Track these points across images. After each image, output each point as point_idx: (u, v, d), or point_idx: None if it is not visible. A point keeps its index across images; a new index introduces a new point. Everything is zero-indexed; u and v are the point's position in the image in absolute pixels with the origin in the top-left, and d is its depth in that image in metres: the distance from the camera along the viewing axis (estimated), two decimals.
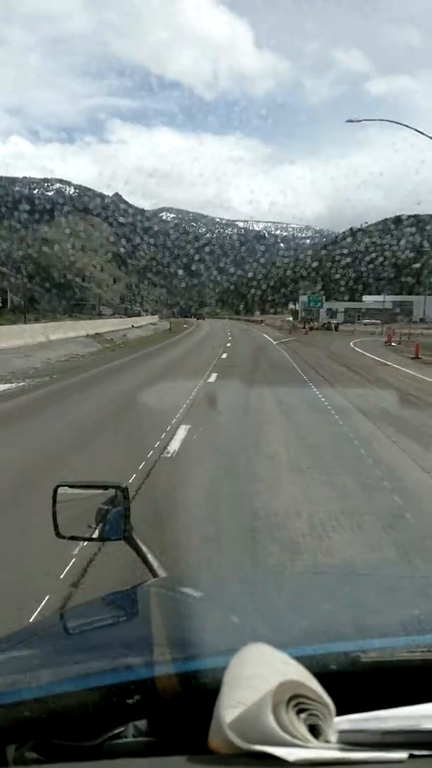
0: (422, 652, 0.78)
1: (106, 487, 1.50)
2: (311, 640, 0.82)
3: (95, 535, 1.48)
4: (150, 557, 1.46)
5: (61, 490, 1.49)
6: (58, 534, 1.47)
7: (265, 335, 43.60)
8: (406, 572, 2.34)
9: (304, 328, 54.79)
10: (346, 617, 1.04)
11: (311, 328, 55.25)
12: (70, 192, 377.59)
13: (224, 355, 23.76)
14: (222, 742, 0.57)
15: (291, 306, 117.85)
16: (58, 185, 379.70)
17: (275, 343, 34.41)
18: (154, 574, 1.44)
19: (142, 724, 0.76)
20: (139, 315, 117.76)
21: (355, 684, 0.72)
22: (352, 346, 32.65)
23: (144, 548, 1.47)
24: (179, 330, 55.07)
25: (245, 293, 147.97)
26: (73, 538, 1.52)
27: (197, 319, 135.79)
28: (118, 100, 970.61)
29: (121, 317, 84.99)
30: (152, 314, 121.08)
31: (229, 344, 32.02)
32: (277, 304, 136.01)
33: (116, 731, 0.74)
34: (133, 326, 51.31)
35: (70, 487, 1.52)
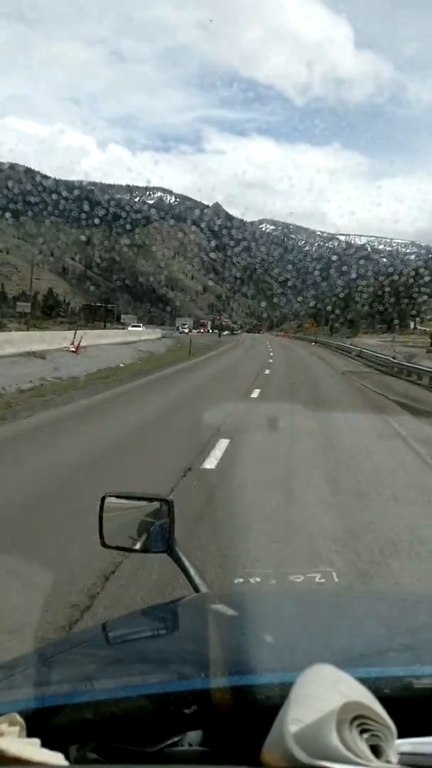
0: None
1: (151, 500, 1.51)
2: (365, 663, 0.83)
3: (139, 547, 1.49)
4: (192, 572, 1.47)
5: (108, 500, 1.51)
6: (103, 543, 1.50)
7: None
8: None
9: None
10: (399, 642, 1.04)
11: None
12: (171, 201, 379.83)
13: None
14: (278, 757, 0.57)
15: (418, 325, 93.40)
16: (159, 194, 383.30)
17: None
18: (196, 589, 1.44)
19: (197, 734, 0.76)
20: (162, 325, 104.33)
21: (408, 709, 0.71)
22: None
23: (186, 563, 1.47)
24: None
25: (345, 308, 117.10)
26: (117, 548, 1.55)
27: (255, 332, 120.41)
28: (219, 111, 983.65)
29: (140, 327, 72.59)
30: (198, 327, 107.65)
31: None
32: (389, 323, 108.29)
33: (173, 740, 0.74)
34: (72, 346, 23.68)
35: (117, 497, 1.54)
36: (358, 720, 0.57)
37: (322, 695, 0.60)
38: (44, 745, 0.59)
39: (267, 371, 24.05)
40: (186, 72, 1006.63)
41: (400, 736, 0.61)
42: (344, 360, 36.25)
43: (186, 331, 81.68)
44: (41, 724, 0.70)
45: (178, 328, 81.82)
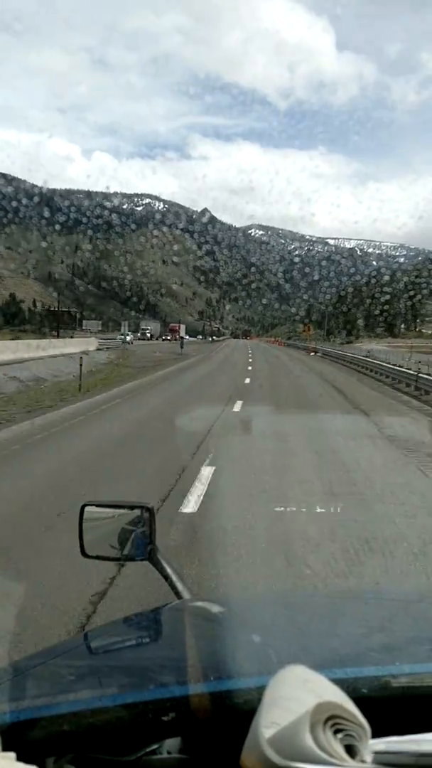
0: None
1: (132, 507, 1.49)
2: (342, 664, 0.84)
3: (120, 555, 1.48)
4: (174, 578, 1.46)
5: (88, 509, 1.49)
6: (83, 553, 1.47)
7: None
8: None
9: None
10: (377, 642, 1.05)
11: None
12: (159, 207, 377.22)
13: None
14: (256, 761, 0.57)
15: (421, 328, 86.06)
16: (147, 200, 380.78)
17: None
18: (178, 596, 1.43)
19: (175, 741, 0.76)
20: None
21: (386, 708, 0.72)
22: None
23: (168, 569, 1.46)
24: None
25: (342, 312, 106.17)
26: (98, 557, 1.51)
27: (243, 338, 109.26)
28: (208, 118, 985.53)
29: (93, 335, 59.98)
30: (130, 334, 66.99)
31: None
32: (386, 324, 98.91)
33: (151, 748, 0.74)
34: None
35: (97, 506, 1.52)
36: (332, 720, 0.57)
37: (296, 696, 0.60)
38: (20, 758, 0.58)
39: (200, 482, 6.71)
40: (172, 79, 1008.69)
41: (378, 735, 0.61)
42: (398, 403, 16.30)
43: (129, 339, 55.03)
44: (17, 737, 0.69)
45: (124, 337, 52.98)
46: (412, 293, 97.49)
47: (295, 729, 0.56)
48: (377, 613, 1.31)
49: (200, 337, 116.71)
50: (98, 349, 37.51)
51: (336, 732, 0.57)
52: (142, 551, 1.43)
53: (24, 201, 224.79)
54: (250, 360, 37.19)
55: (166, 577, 1.45)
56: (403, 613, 1.32)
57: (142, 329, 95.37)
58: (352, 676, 0.76)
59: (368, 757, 0.58)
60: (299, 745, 0.55)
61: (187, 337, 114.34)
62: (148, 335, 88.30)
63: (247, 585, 3.95)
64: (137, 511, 1.46)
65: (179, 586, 1.44)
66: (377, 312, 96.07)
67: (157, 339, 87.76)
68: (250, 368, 28.64)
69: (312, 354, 46.57)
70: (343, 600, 1.70)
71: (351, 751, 0.57)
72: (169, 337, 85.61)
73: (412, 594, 2.38)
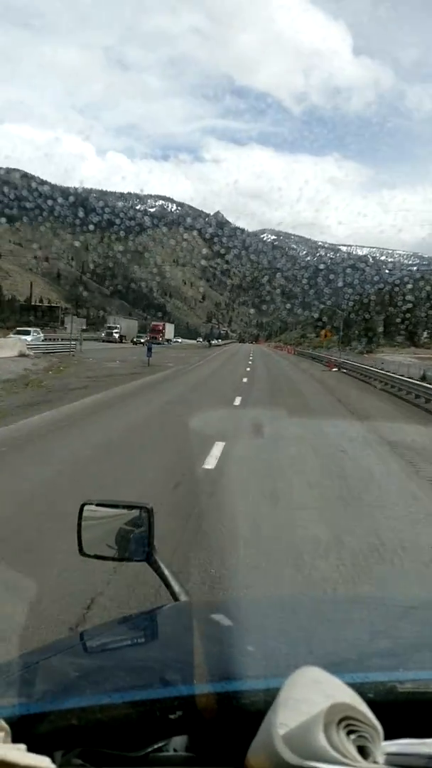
0: None
1: (131, 508, 1.49)
2: (348, 668, 0.83)
3: (118, 555, 1.48)
4: (172, 580, 1.46)
5: (87, 508, 1.49)
6: (81, 552, 1.47)
7: None
8: None
9: None
10: (383, 647, 1.06)
11: None
12: (172, 208, 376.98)
13: None
14: (266, 759, 0.58)
15: None
16: (161, 202, 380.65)
17: None
18: (175, 598, 1.43)
19: (182, 739, 0.77)
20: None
21: (392, 713, 0.72)
22: None
23: (166, 571, 1.46)
24: None
25: (363, 319, 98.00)
26: (96, 556, 1.50)
27: (250, 342, 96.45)
28: (223, 121, 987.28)
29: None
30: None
31: None
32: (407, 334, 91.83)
33: (158, 745, 0.75)
34: None
35: (97, 505, 1.51)
36: (345, 721, 0.58)
37: (310, 698, 0.60)
38: (30, 751, 0.59)
39: None
40: (189, 82, 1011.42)
41: (386, 739, 0.62)
42: None
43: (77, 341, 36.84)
44: (26, 730, 0.70)
45: (78, 340, 36.86)
46: None
47: (308, 729, 0.57)
48: (383, 619, 1.32)
49: (200, 339, 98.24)
50: (23, 355, 26.32)
51: (349, 733, 0.58)
52: (140, 552, 1.43)
53: (38, 199, 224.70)
54: (245, 381, 23.37)
55: (164, 579, 1.44)
56: (409, 619, 1.32)
57: (108, 328, 67.95)
58: (358, 681, 0.76)
59: (380, 759, 0.58)
60: (313, 744, 0.55)
61: (180, 340, 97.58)
62: (116, 336, 63.88)
63: (249, 586, 3.89)
64: (136, 512, 1.45)
65: (176, 588, 1.43)
66: (398, 320, 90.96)
67: (132, 341, 64.25)
68: (237, 401, 15.65)
69: (334, 370, 33.31)
70: (349, 604, 1.71)
71: (363, 752, 0.58)
72: (143, 341, 58.02)
73: (418, 600, 2.40)
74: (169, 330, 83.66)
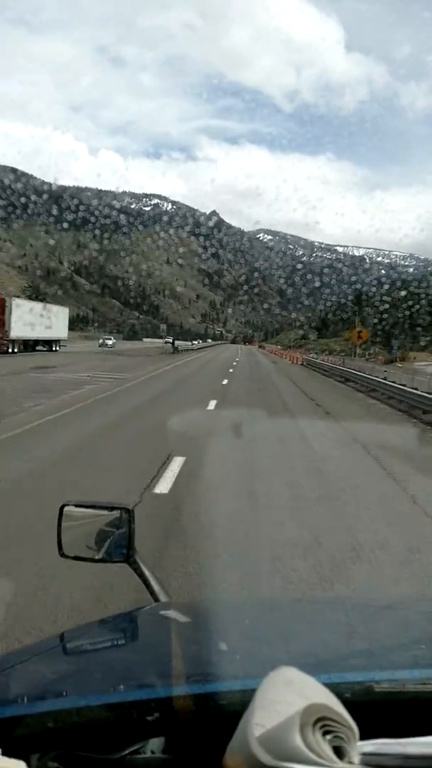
0: None
1: (112, 509, 1.49)
2: (325, 669, 0.84)
3: (98, 557, 1.47)
4: (152, 581, 1.46)
5: (67, 509, 1.48)
6: (61, 553, 1.47)
7: None
8: (422, 606, 2.06)
9: None
10: (360, 647, 1.07)
11: None
12: (168, 208, 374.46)
13: None
14: (242, 761, 0.58)
15: None
16: (156, 201, 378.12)
17: None
18: (156, 599, 1.43)
19: (159, 741, 0.77)
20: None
21: (368, 713, 0.73)
22: None
23: (147, 572, 1.46)
24: None
25: (396, 323, 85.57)
26: (76, 558, 1.49)
27: (242, 343, 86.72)
28: (215, 121, 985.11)
29: None
30: None
31: None
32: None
33: (135, 747, 0.75)
34: None
35: (76, 506, 1.51)
36: (321, 722, 0.58)
37: (286, 698, 0.61)
38: (5, 754, 0.58)
39: None
40: (186, 81, 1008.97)
41: (362, 739, 0.62)
42: None
43: None
44: (2, 734, 0.70)
45: None
46: None
47: (284, 730, 0.57)
48: (361, 619, 1.32)
49: (168, 340, 60.72)
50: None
51: (325, 733, 0.58)
52: (120, 553, 1.43)
53: (33, 197, 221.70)
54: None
55: (145, 580, 1.44)
56: (386, 619, 1.33)
57: None
58: (335, 681, 0.76)
59: (356, 759, 0.59)
60: (288, 745, 0.56)
61: (111, 340, 62.16)
62: None
63: (228, 588, 3.74)
64: (116, 513, 1.45)
65: (157, 589, 1.43)
66: (426, 323, 78.42)
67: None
68: None
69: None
70: (326, 605, 1.72)
71: (339, 752, 0.58)
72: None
73: (395, 600, 2.43)
74: (60, 317, 44.42)
